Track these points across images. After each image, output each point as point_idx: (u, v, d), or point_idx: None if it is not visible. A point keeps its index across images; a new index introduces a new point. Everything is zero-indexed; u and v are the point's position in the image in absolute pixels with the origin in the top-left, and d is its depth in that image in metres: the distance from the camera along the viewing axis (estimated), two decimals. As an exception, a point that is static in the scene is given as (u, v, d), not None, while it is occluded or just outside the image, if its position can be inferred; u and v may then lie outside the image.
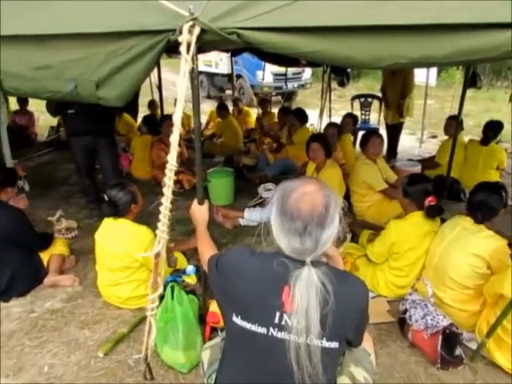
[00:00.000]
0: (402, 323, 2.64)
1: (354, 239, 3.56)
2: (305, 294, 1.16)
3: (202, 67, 11.90)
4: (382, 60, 1.78)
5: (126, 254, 2.74)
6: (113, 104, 2.13)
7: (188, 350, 2.32)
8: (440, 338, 2.35)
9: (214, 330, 2.49)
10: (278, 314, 1.24)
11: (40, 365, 2.42)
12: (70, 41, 2.11)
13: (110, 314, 2.85)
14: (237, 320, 1.31)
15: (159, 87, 6.21)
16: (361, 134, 5.15)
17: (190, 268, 2.96)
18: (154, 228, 2.50)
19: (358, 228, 3.71)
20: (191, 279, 2.89)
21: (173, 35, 1.84)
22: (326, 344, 1.24)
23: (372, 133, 4.18)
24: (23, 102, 7.57)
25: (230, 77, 10.86)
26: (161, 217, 1.96)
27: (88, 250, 3.38)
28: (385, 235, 2.95)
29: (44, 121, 8.36)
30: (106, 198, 2.78)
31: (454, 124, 4.32)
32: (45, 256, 3.24)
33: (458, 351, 2.40)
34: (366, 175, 3.91)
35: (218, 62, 12.27)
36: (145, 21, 1.90)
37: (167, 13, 1.85)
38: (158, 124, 5.61)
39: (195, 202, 2.08)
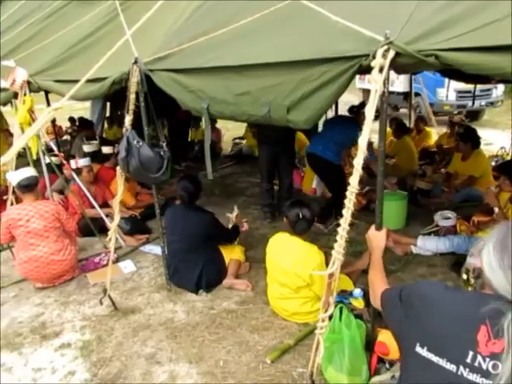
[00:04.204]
0: None
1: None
2: None
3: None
4: None
5: (293, 271, 2.84)
6: (301, 127, 2.27)
7: (353, 375, 2.28)
8: None
9: (380, 360, 2.39)
10: (471, 353, 1.15)
11: (216, 358, 2.68)
12: (266, 69, 2.33)
13: (277, 324, 3.00)
14: (421, 351, 1.24)
15: (335, 106, 6.34)
16: None
17: (358, 291, 2.90)
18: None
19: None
20: (358, 303, 2.83)
21: (366, 60, 1.87)
22: None
23: None
24: (212, 120, 8.64)
25: (406, 95, 10.39)
26: (338, 238, 1.98)
27: (260, 259, 3.62)
28: None
29: (228, 136, 9.40)
30: (301, 215, 2.84)
31: None
32: (225, 259, 3.61)
33: None
34: None
35: (394, 80, 11.84)
36: (339, 47, 1.97)
37: (362, 39, 1.88)
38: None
39: (373, 227, 2.05)
